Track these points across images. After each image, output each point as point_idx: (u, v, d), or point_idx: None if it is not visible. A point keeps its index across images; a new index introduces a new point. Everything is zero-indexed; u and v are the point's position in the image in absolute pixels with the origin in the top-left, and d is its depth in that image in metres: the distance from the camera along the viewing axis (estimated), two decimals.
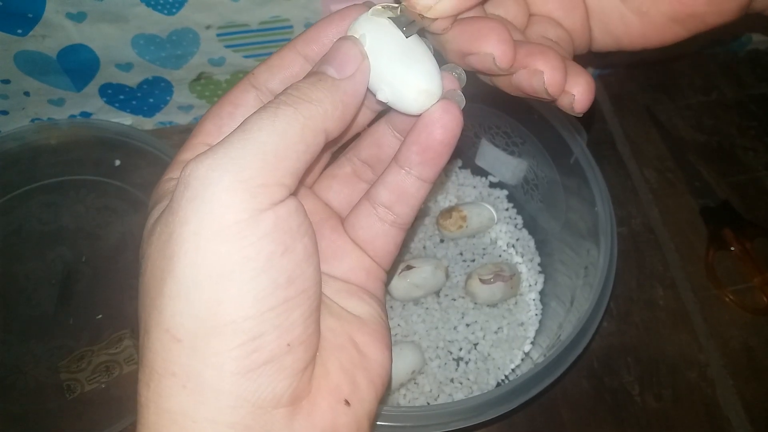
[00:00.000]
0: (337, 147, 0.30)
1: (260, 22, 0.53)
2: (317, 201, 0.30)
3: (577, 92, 0.25)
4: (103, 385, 0.49)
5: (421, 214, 0.60)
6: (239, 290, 0.21)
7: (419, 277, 0.53)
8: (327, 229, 0.28)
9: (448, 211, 0.57)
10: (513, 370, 0.53)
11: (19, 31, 0.50)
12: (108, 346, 0.50)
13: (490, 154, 0.60)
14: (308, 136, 0.22)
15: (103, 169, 0.57)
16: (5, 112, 0.58)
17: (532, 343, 0.54)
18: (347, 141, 0.30)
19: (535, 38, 0.28)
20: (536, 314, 0.55)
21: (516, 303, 0.56)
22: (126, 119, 0.61)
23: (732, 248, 0.59)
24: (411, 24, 0.25)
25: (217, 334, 0.21)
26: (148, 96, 0.59)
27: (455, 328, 0.54)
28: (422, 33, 0.26)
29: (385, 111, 0.29)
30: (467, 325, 0.54)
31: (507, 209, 0.60)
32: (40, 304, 0.52)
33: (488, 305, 0.55)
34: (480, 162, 0.61)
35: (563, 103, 0.26)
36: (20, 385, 0.49)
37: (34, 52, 0.52)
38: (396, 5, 0.25)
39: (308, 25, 0.53)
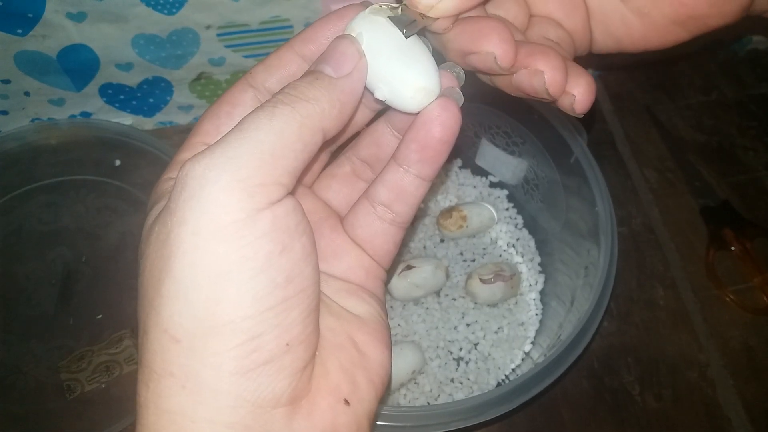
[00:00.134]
0: (335, 146, 0.30)
1: (260, 22, 0.53)
2: (316, 200, 0.30)
3: (578, 93, 0.25)
4: (103, 385, 0.49)
5: (421, 213, 0.60)
6: (237, 290, 0.21)
7: (419, 276, 0.53)
8: (326, 228, 0.28)
9: (448, 211, 0.57)
10: (513, 370, 0.53)
11: (19, 31, 0.50)
12: (108, 346, 0.50)
13: (490, 154, 0.60)
14: (306, 134, 0.22)
15: (103, 169, 0.57)
16: (5, 112, 0.58)
17: (532, 343, 0.54)
18: (346, 140, 0.30)
19: (535, 39, 0.28)
20: (536, 314, 0.55)
21: (516, 303, 0.56)
22: (126, 119, 0.61)
23: (732, 248, 0.59)
24: (412, 24, 0.25)
25: (215, 334, 0.21)
26: (148, 96, 0.59)
27: (455, 328, 0.54)
28: (422, 32, 0.26)
29: (384, 110, 0.29)
30: (467, 325, 0.54)
31: (507, 209, 0.60)
32: (40, 304, 0.52)
33: (488, 305, 0.55)
34: (480, 162, 0.61)
35: (564, 103, 0.26)
36: (20, 385, 0.49)
37: (34, 52, 0.52)
38: (396, 5, 0.25)
39: (308, 25, 0.53)
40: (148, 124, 0.62)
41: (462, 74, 0.27)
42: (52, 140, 0.58)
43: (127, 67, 0.55)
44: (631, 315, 0.56)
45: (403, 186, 0.27)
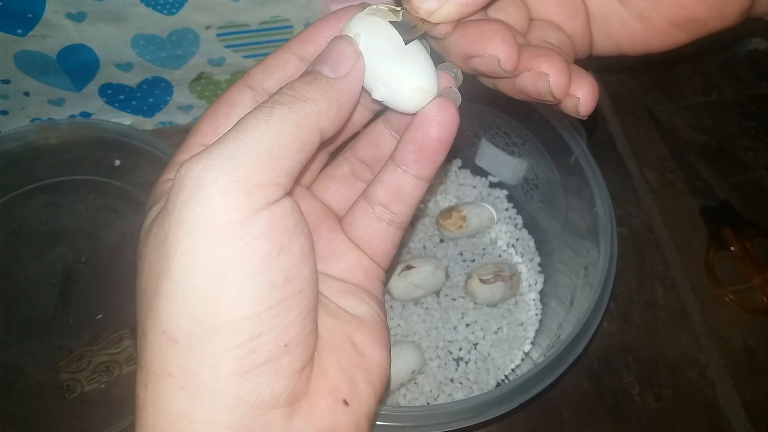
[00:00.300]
0: (334, 147, 0.30)
1: (260, 22, 0.53)
2: (315, 201, 0.30)
3: (582, 95, 0.25)
4: (103, 385, 0.49)
5: (420, 214, 0.60)
6: (236, 291, 0.21)
7: (419, 277, 0.53)
8: (325, 229, 0.28)
9: (448, 211, 0.57)
10: (513, 370, 0.53)
11: (19, 31, 0.50)
12: (108, 346, 0.50)
13: (489, 154, 0.60)
14: (303, 135, 0.22)
15: (103, 169, 0.57)
16: (5, 112, 0.58)
17: (532, 343, 0.54)
18: (345, 141, 0.30)
19: (536, 43, 0.28)
20: (536, 314, 0.55)
21: (516, 303, 0.56)
22: (126, 119, 0.61)
23: (732, 248, 0.59)
24: (412, 29, 0.25)
25: (213, 334, 0.21)
26: (148, 96, 0.59)
27: (455, 328, 0.54)
28: (423, 36, 0.26)
29: (382, 111, 0.29)
30: (467, 325, 0.54)
31: (507, 209, 0.60)
32: (40, 304, 0.52)
33: (488, 305, 0.55)
34: (480, 162, 0.61)
35: (568, 106, 0.25)
36: (20, 385, 0.49)
37: (34, 52, 0.52)
38: (398, 9, 0.25)
39: (308, 25, 0.53)
40: (147, 124, 0.62)
41: (460, 75, 0.27)
42: (52, 140, 0.58)
43: (127, 67, 0.55)
44: (630, 315, 0.56)
45: (401, 186, 0.27)
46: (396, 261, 0.54)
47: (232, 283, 0.21)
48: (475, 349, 0.54)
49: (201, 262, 0.21)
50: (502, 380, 0.52)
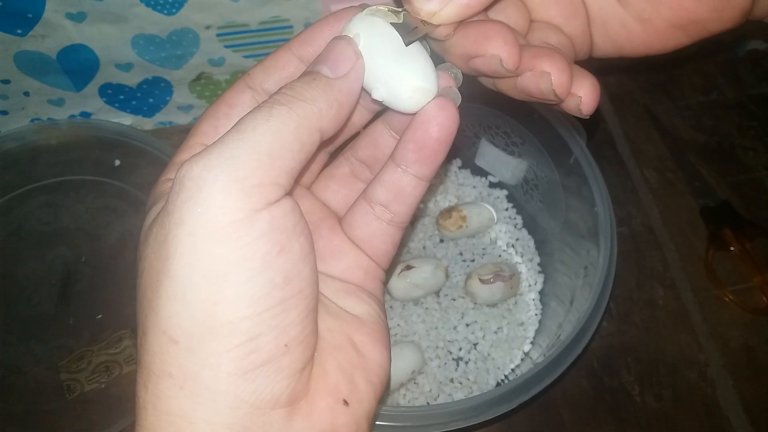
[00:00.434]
0: (334, 147, 0.30)
1: (260, 22, 0.53)
2: (315, 201, 0.30)
3: (584, 94, 0.25)
4: (103, 385, 0.49)
5: (420, 214, 0.60)
6: (236, 291, 0.21)
7: (419, 277, 0.53)
8: (325, 229, 0.28)
9: (447, 211, 0.57)
10: (513, 370, 0.53)
11: (19, 31, 0.50)
12: (108, 346, 0.50)
13: (489, 154, 0.60)
14: (303, 135, 0.22)
15: (103, 169, 0.57)
16: (5, 112, 0.58)
17: (531, 343, 0.54)
18: (345, 141, 0.30)
19: (536, 44, 0.28)
20: (536, 314, 0.55)
21: (516, 303, 0.56)
22: (126, 119, 0.61)
23: (732, 248, 0.59)
24: (413, 30, 0.25)
25: (213, 335, 0.21)
26: (148, 96, 0.59)
27: (455, 328, 0.54)
28: (424, 38, 0.26)
29: (382, 111, 0.29)
30: (467, 325, 0.54)
31: (507, 209, 0.60)
32: (40, 304, 0.52)
33: (488, 305, 0.55)
34: (480, 162, 0.61)
35: (570, 105, 0.25)
36: (20, 385, 0.49)
37: (33, 52, 0.52)
38: (398, 10, 0.25)
39: (308, 25, 0.53)
40: (147, 124, 0.62)
41: (460, 75, 0.27)
42: (52, 140, 0.58)
43: (127, 67, 0.55)
44: (630, 315, 0.56)
45: (401, 186, 0.27)
46: (396, 261, 0.54)
47: (232, 284, 0.21)
48: (475, 349, 0.54)
49: (201, 263, 0.21)
50: (502, 380, 0.52)
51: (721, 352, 0.55)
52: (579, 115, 0.26)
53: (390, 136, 0.29)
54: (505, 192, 0.61)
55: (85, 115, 0.60)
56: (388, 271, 0.30)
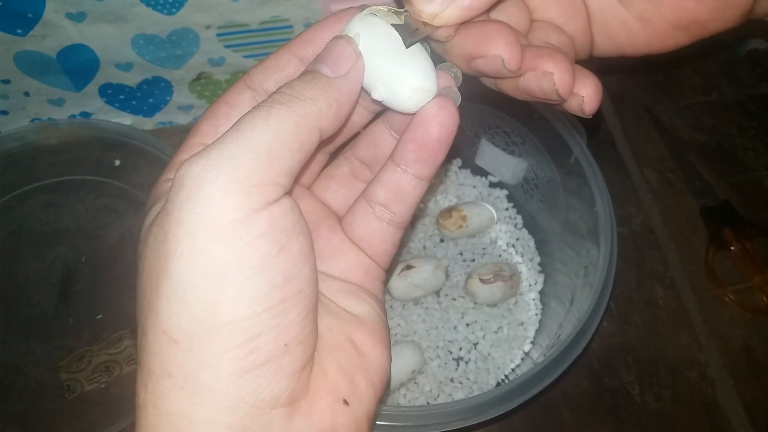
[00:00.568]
0: (334, 147, 0.30)
1: (260, 22, 0.53)
2: (315, 201, 0.30)
3: (586, 93, 0.25)
4: (103, 385, 0.49)
5: (420, 213, 0.60)
6: (235, 291, 0.21)
7: (419, 276, 0.53)
8: (325, 229, 0.28)
9: (448, 211, 0.57)
10: (513, 369, 0.53)
11: (19, 31, 0.50)
12: (108, 346, 0.50)
13: (489, 154, 0.60)
14: (302, 134, 0.22)
15: (103, 169, 0.57)
16: (5, 112, 0.58)
17: (532, 342, 0.54)
18: (345, 141, 0.30)
19: (537, 44, 0.28)
20: (536, 314, 0.55)
21: (516, 303, 0.56)
22: (126, 119, 0.61)
23: (732, 248, 0.59)
24: (414, 32, 0.25)
25: (213, 335, 0.21)
26: (148, 96, 0.59)
27: (455, 327, 0.54)
28: (425, 39, 0.26)
29: (382, 112, 0.29)
30: (467, 324, 0.54)
31: (507, 209, 0.60)
32: (40, 304, 0.52)
33: (488, 305, 0.55)
34: (480, 162, 0.61)
35: (572, 105, 0.25)
36: (20, 385, 0.49)
37: (34, 52, 0.52)
38: (399, 11, 0.25)
39: (308, 25, 0.53)
40: (147, 124, 0.62)
41: (459, 75, 0.27)
42: (52, 140, 0.58)
43: (127, 67, 0.55)
44: (630, 315, 0.56)
45: (401, 186, 0.27)
46: (396, 261, 0.54)
47: (232, 283, 0.21)
48: (475, 348, 0.54)
49: (201, 262, 0.21)
50: (502, 380, 0.52)
51: (721, 352, 0.55)
52: (582, 115, 0.26)
53: (390, 135, 0.29)
54: (505, 192, 0.61)
55: (85, 115, 0.60)
56: (389, 271, 0.30)
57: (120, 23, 0.51)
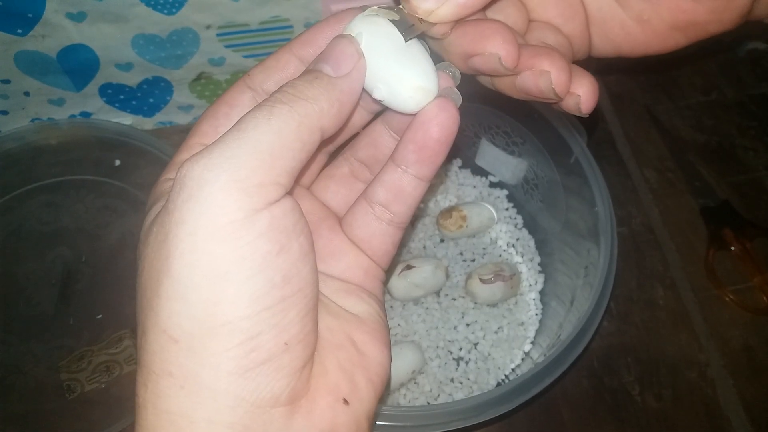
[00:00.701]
0: (334, 148, 0.30)
1: (260, 22, 0.53)
2: (315, 201, 0.30)
3: (583, 92, 0.25)
4: (103, 385, 0.49)
5: (420, 213, 0.60)
6: (236, 290, 0.21)
7: (419, 276, 0.53)
8: (324, 229, 0.28)
9: (448, 211, 0.57)
10: (513, 369, 0.53)
11: (19, 31, 0.50)
12: (108, 346, 0.50)
13: (490, 154, 0.60)
14: (304, 134, 0.22)
15: (103, 169, 0.57)
16: (5, 112, 0.58)
17: (532, 342, 0.54)
18: (345, 142, 0.30)
19: (534, 43, 0.28)
20: (536, 314, 0.55)
21: (516, 303, 0.56)
22: (126, 119, 0.61)
23: (732, 248, 0.59)
24: (411, 28, 0.25)
25: (214, 334, 0.21)
26: (148, 96, 0.59)
27: (455, 327, 0.54)
28: (421, 36, 0.26)
29: (382, 112, 0.29)
30: (467, 324, 0.54)
31: (507, 209, 0.60)
32: (40, 304, 0.52)
33: (488, 305, 0.55)
34: (480, 162, 0.61)
35: (569, 104, 0.26)
36: (20, 385, 0.49)
37: (34, 52, 0.52)
38: (397, 8, 0.25)
39: (308, 25, 0.53)
40: (148, 124, 0.62)
41: (458, 74, 0.27)
42: (52, 140, 0.58)
43: (127, 67, 0.55)
44: (630, 315, 0.56)
45: (401, 186, 0.27)
46: (396, 261, 0.54)
47: (232, 283, 0.21)
48: (476, 348, 0.54)
49: (201, 262, 0.21)
50: (502, 380, 0.52)
51: (721, 352, 0.55)
52: (578, 114, 0.26)
53: (390, 136, 0.29)
54: (505, 192, 0.61)
55: (86, 115, 0.60)
56: (389, 271, 0.30)
57: (120, 23, 0.51)
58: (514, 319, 0.55)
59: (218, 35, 0.54)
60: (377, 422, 0.40)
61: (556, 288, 0.55)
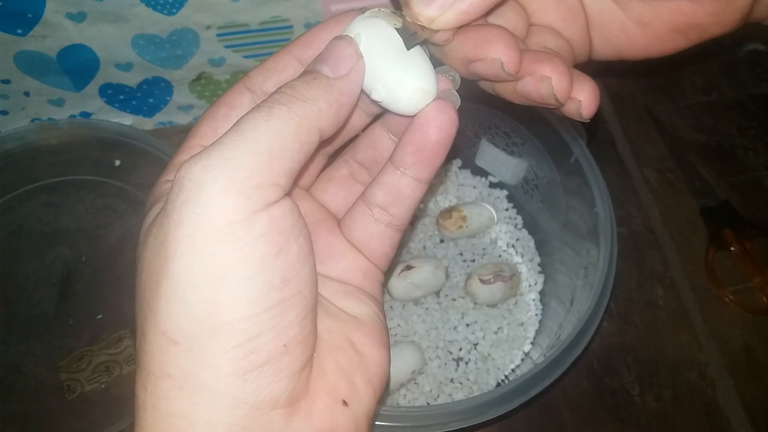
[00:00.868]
0: (332, 149, 0.30)
1: (260, 22, 0.53)
2: (313, 203, 0.30)
3: (584, 98, 0.25)
4: (103, 385, 0.49)
5: (420, 214, 0.60)
6: (234, 291, 0.21)
7: (419, 277, 0.53)
8: (323, 231, 0.28)
9: (448, 211, 0.57)
10: (513, 370, 0.53)
11: (19, 31, 0.50)
12: (108, 346, 0.50)
13: (490, 154, 0.60)
14: (302, 135, 0.22)
15: (103, 169, 0.57)
16: (5, 112, 0.58)
17: (532, 343, 0.54)
18: (344, 144, 0.30)
19: (535, 48, 0.28)
20: (536, 314, 0.55)
21: (516, 303, 0.56)
22: (126, 119, 0.61)
23: (732, 248, 0.59)
24: (413, 35, 0.25)
25: (213, 335, 0.21)
26: (148, 96, 0.59)
27: (455, 328, 0.54)
28: (423, 42, 0.26)
29: (381, 114, 0.29)
30: (467, 325, 0.54)
31: (507, 209, 0.60)
32: (40, 304, 0.52)
33: (488, 305, 0.55)
34: (480, 162, 0.61)
35: (570, 109, 0.26)
36: (20, 385, 0.49)
37: (34, 52, 0.52)
38: (395, 9, 0.25)
39: (308, 26, 0.53)
40: (147, 124, 0.62)
41: (457, 78, 0.27)
42: (52, 140, 0.58)
43: (127, 67, 0.55)
44: (630, 315, 0.56)
45: (399, 188, 0.27)
46: (396, 261, 0.54)
47: (231, 284, 0.21)
48: (475, 349, 0.54)
49: (201, 263, 0.21)
50: (502, 380, 0.52)
51: (721, 352, 0.55)
52: (579, 119, 0.26)
53: (388, 138, 0.29)
54: (505, 192, 0.61)
55: (85, 115, 0.60)
56: (388, 272, 0.30)
57: (120, 23, 0.51)
58: (514, 320, 0.55)
59: (218, 35, 0.54)
60: (377, 423, 0.40)
61: (556, 288, 0.55)
